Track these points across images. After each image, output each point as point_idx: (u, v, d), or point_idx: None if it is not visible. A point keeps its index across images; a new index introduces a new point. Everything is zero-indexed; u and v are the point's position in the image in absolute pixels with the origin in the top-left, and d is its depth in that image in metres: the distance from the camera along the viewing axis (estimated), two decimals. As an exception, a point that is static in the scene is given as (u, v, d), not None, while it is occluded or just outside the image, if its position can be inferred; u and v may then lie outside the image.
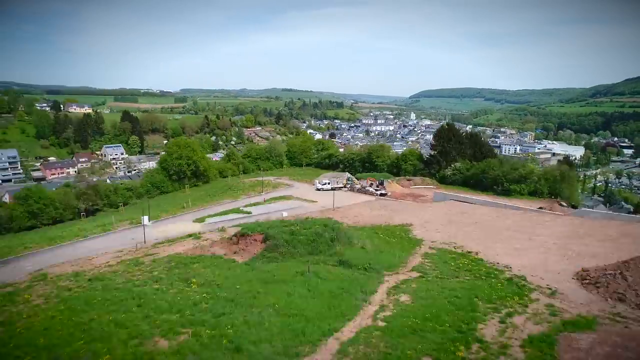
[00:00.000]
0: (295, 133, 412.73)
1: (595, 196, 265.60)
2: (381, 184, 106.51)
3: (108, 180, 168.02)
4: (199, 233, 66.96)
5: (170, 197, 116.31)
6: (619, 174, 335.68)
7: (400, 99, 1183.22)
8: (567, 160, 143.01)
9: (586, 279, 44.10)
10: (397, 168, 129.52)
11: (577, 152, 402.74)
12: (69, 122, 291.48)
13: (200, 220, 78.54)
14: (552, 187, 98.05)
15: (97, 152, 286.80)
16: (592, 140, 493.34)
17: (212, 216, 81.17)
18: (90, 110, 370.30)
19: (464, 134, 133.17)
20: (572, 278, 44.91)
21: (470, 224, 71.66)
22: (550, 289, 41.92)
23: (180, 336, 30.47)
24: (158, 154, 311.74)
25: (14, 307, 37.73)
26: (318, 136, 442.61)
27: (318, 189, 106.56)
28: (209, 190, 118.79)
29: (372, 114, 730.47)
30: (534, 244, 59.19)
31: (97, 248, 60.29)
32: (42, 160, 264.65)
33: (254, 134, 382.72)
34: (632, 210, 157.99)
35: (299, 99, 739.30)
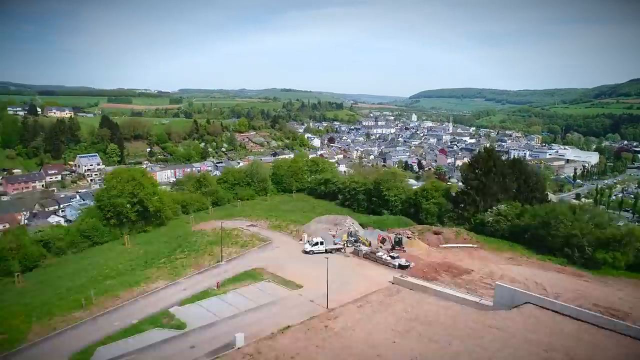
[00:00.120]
0: (292, 138, 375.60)
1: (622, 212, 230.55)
2: (399, 243, 70.56)
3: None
4: None
5: (98, 254, 79.88)
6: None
7: (400, 99, 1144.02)
8: None
9: None
10: (416, 207, 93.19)
11: (591, 158, 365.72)
12: (39, 129, 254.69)
13: None
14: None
15: (70, 163, 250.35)
16: (602, 145, 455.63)
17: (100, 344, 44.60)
18: (70, 114, 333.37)
19: (505, 161, 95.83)
20: None
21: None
22: None
23: None
24: (140, 163, 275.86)
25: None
26: (316, 141, 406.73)
27: (307, 252, 70.47)
28: (156, 241, 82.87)
29: (372, 115, 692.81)
30: None
31: None
32: (5, 172, 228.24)
33: (247, 140, 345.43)
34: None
35: (297, 99, 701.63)
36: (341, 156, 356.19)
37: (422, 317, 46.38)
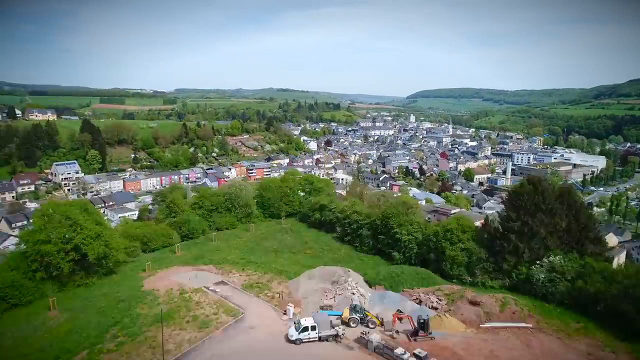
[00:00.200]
0: (287, 141, 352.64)
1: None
2: (423, 326, 48.15)
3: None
4: None
5: (9, 323, 57.08)
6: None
7: (397, 99, 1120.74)
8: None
9: None
10: (437, 251, 70.48)
11: (598, 162, 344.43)
12: (12, 134, 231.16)
13: None
14: None
15: (46, 171, 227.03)
16: (607, 147, 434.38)
17: None
18: (52, 117, 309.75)
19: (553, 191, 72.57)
20: None
21: None
22: None
23: None
24: (123, 170, 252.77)
25: None
26: (312, 144, 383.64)
27: (292, 340, 47.86)
28: (92, 306, 59.98)
29: (369, 116, 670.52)
30: None
31: None
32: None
33: (239, 144, 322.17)
34: None
35: (294, 100, 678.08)
36: (339, 160, 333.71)
37: None
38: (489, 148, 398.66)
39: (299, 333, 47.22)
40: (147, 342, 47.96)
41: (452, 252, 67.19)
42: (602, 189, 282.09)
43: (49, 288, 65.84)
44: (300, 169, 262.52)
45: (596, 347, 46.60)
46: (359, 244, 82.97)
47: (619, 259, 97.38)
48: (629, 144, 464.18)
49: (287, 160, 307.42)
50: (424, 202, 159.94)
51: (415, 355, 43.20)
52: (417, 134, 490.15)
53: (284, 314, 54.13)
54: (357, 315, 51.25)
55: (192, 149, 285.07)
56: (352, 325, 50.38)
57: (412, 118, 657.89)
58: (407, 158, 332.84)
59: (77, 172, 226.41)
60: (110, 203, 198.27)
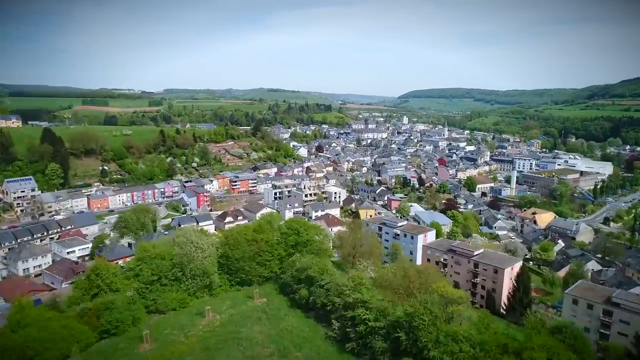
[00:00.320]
0: (276, 147, 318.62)
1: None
2: None
3: None
4: None
5: None
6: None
7: (389, 99, 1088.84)
8: None
9: None
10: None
11: (604, 169, 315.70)
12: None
13: None
14: None
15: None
16: (607, 151, 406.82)
17: None
18: (18, 123, 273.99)
19: None
20: None
21: None
22: None
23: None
24: (89, 185, 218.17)
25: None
26: (303, 150, 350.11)
27: None
28: None
29: (361, 117, 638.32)
30: None
31: None
32: None
33: (223, 151, 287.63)
34: None
35: (284, 100, 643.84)
36: (330, 168, 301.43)
37: None
38: (488, 153, 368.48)
39: None
40: None
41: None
42: (613, 199, 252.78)
43: None
44: (288, 181, 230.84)
45: None
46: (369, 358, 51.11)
47: None
48: (628, 147, 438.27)
49: (274, 170, 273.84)
50: (430, 231, 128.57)
51: None
52: (412, 137, 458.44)
53: None
54: None
55: (169, 159, 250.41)
56: None
57: (405, 119, 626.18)
58: (404, 165, 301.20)
59: (32, 190, 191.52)
60: (68, 227, 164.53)
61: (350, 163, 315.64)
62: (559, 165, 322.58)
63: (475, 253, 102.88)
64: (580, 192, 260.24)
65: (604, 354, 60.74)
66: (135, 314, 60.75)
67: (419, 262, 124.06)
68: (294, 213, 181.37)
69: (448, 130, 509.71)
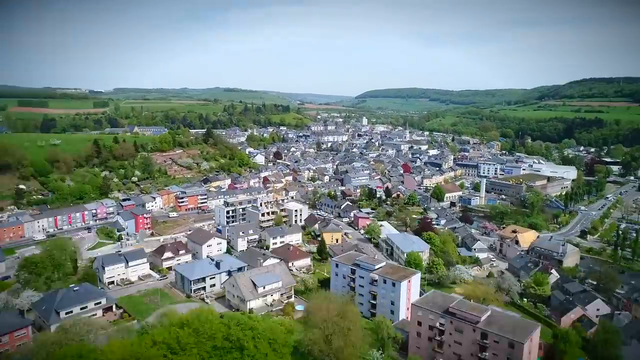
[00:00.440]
0: (230, 156, 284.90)
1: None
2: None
3: None
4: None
5: None
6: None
7: (346, 99, 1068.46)
8: None
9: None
10: None
11: (568, 173, 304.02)
12: None
13: None
14: None
15: None
16: (565, 153, 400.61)
17: None
18: None
19: None
20: None
21: None
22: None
23: None
24: (1, 209, 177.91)
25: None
26: (259, 157, 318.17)
27: None
28: None
29: (320, 117, 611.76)
30: None
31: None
32: None
33: (170, 162, 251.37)
34: None
35: (241, 101, 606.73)
36: (290, 178, 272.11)
37: None
38: (452, 157, 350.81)
39: None
40: None
41: None
42: (584, 207, 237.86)
43: None
44: (243, 197, 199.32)
45: None
46: None
47: None
48: (583, 148, 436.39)
49: (228, 182, 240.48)
50: (415, 275, 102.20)
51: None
52: (373, 140, 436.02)
53: None
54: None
55: (104, 173, 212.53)
56: None
57: (365, 120, 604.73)
58: (367, 172, 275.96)
59: None
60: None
61: (311, 171, 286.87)
62: (524, 170, 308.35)
63: (482, 318, 76.82)
64: (549, 200, 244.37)
65: None
66: None
67: (401, 317, 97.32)
68: (247, 242, 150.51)
69: (410, 133, 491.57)
